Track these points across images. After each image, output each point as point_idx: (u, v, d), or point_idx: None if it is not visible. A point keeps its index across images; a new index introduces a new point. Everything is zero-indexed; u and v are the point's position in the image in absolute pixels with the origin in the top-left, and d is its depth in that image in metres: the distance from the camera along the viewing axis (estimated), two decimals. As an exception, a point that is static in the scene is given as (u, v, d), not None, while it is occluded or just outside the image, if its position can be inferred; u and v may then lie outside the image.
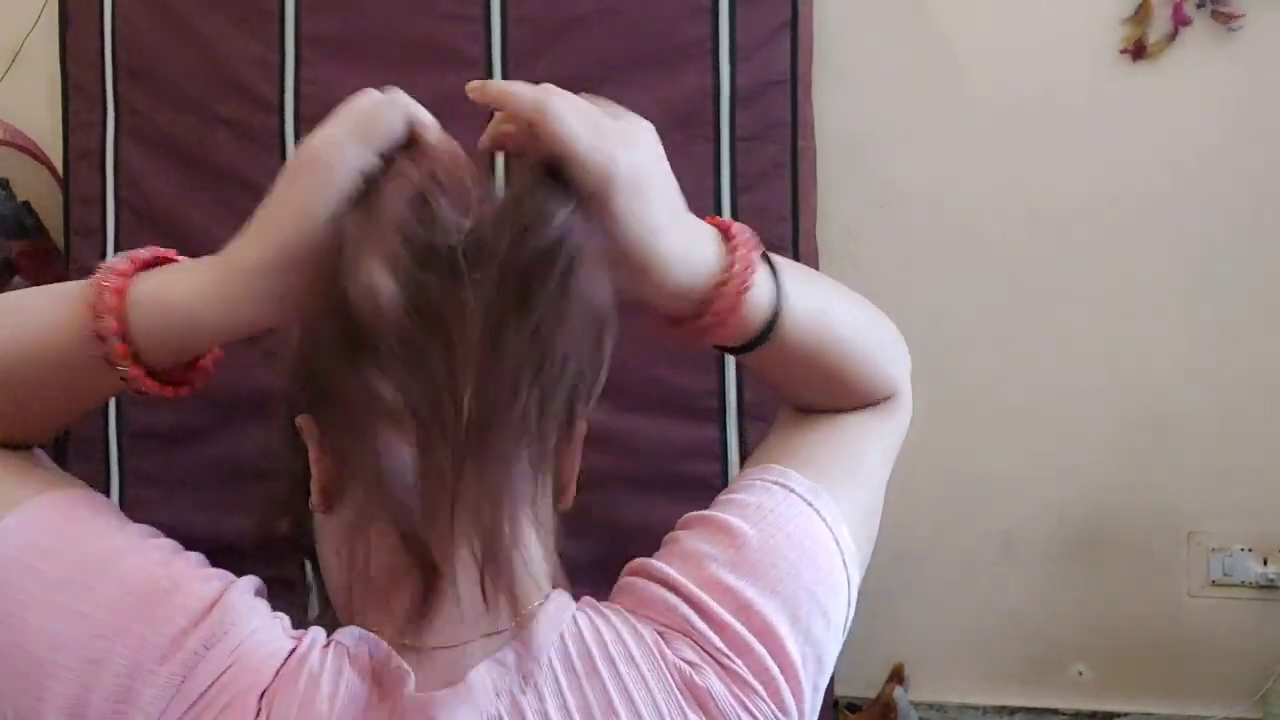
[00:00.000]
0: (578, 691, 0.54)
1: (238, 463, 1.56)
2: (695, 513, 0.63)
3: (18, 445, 0.62)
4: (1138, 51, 1.49)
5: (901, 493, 1.68)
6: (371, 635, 0.55)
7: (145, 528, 0.60)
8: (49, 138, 1.71)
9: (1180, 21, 1.47)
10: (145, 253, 0.58)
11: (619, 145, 0.60)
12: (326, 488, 0.59)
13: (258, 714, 0.51)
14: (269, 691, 0.52)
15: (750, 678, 0.56)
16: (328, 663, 0.53)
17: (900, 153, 1.57)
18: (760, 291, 0.61)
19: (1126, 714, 1.58)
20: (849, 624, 0.64)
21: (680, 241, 0.61)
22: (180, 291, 0.57)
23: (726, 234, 0.62)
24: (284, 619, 0.57)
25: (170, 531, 1.59)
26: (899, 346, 0.74)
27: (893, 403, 0.72)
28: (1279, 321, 1.51)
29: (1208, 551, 1.55)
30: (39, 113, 1.72)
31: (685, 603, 0.57)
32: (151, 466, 1.64)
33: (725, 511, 0.62)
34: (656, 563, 0.60)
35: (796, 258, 1.50)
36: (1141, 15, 1.48)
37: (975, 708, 1.61)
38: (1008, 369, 1.57)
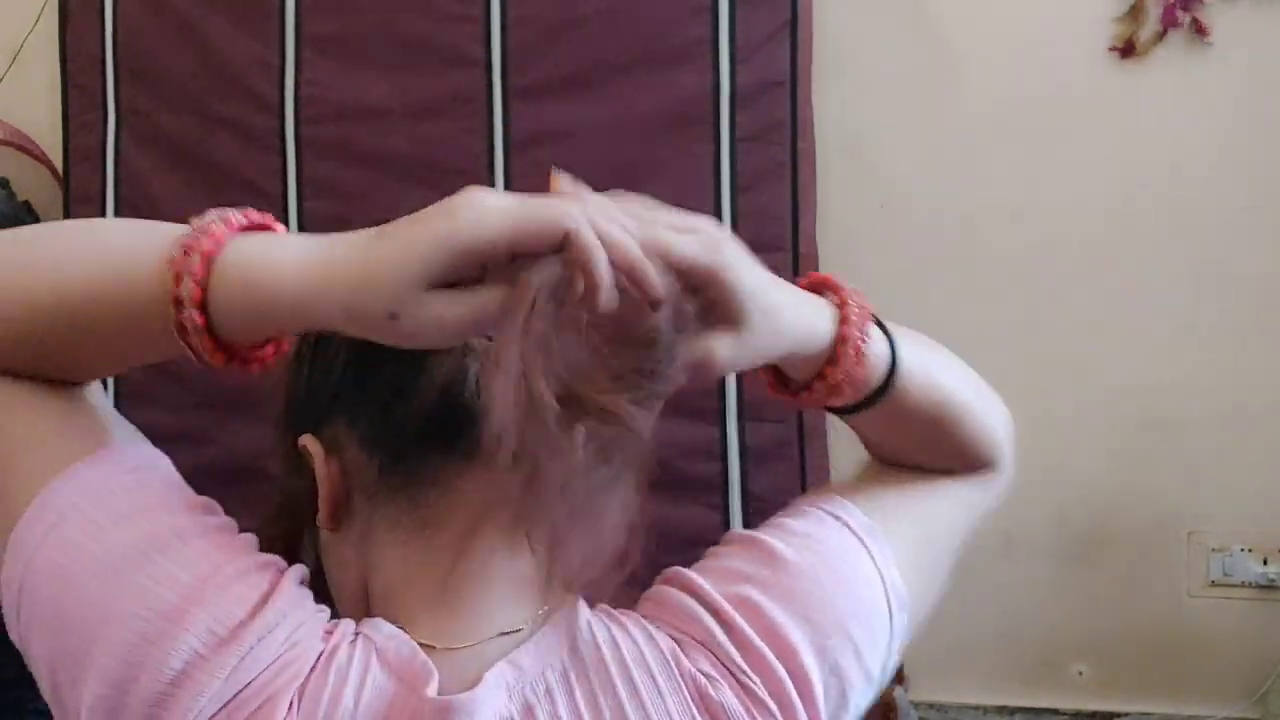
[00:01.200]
0: (590, 696, 0.54)
1: (237, 463, 1.56)
2: (741, 531, 0.63)
3: (66, 382, 0.59)
4: (1126, 50, 1.49)
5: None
6: (400, 632, 0.56)
7: (206, 501, 0.60)
8: (49, 138, 1.71)
9: (1170, 22, 1.47)
10: (240, 216, 0.53)
11: (704, 221, 0.56)
12: (338, 505, 0.60)
13: (290, 708, 0.52)
14: (303, 686, 0.52)
15: (766, 698, 0.56)
16: (355, 657, 0.54)
17: (899, 153, 1.57)
18: (876, 347, 0.60)
19: (1126, 714, 1.58)
20: (887, 673, 0.63)
21: (790, 296, 0.58)
22: (274, 268, 0.52)
23: (834, 290, 0.61)
24: (324, 611, 0.57)
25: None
26: (1003, 415, 0.73)
27: (990, 473, 0.71)
28: (1278, 322, 1.51)
29: (1208, 551, 1.55)
30: (39, 113, 1.72)
31: (711, 615, 0.57)
32: (151, 466, 1.64)
33: (771, 535, 0.62)
34: (690, 573, 0.60)
35: (796, 257, 1.50)
36: (1134, 14, 1.48)
37: (975, 708, 1.61)
38: (1007, 369, 1.57)
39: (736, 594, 0.58)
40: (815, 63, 1.51)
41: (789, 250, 1.50)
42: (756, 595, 0.58)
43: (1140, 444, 1.55)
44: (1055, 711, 1.59)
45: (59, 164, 1.70)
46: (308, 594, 0.57)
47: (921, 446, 0.68)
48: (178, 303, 0.51)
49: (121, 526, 0.54)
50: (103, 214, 1.66)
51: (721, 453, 1.50)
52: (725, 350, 0.54)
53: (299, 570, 0.57)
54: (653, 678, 0.55)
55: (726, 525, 1.49)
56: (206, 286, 0.51)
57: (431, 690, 0.53)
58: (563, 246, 0.48)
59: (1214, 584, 1.55)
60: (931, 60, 1.55)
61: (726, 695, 0.55)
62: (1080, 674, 1.59)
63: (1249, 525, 1.54)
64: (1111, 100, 1.52)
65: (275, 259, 0.52)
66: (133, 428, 0.61)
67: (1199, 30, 1.47)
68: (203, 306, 0.51)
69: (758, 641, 0.57)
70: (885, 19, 1.56)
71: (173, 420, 1.61)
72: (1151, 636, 1.57)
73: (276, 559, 0.57)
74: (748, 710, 0.55)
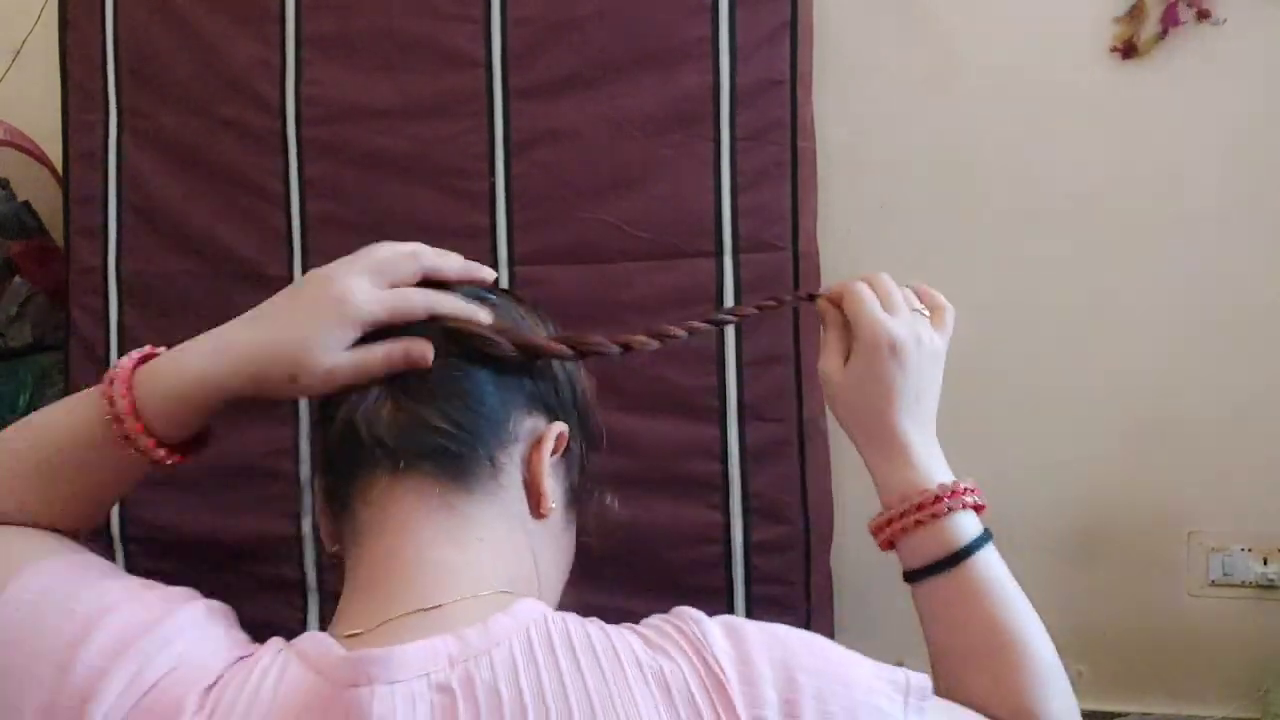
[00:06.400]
0: (532, 673, 0.56)
1: (238, 463, 1.56)
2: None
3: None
4: (1127, 50, 1.49)
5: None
6: (319, 634, 0.60)
7: (145, 580, 0.66)
8: (49, 138, 1.71)
9: (1170, 22, 1.47)
10: (141, 351, 0.70)
11: (902, 319, 0.76)
12: (330, 534, 0.69)
13: (199, 709, 0.55)
14: (215, 687, 0.56)
15: (733, 682, 0.57)
16: (276, 661, 0.58)
17: (900, 153, 1.57)
18: (966, 521, 0.75)
19: (1126, 714, 1.58)
20: None
21: (920, 437, 0.77)
22: (176, 359, 0.69)
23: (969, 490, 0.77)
24: (239, 636, 0.62)
25: (171, 532, 1.60)
26: (1067, 689, 0.76)
27: None
28: (1279, 321, 1.51)
29: (1208, 551, 1.55)
30: (39, 113, 1.72)
31: (709, 628, 0.60)
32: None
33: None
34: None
35: (796, 258, 1.50)
36: (1135, 14, 1.48)
37: (975, 707, 1.61)
38: (1007, 369, 1.57)
39: (750, 636, 0.60)
40: (815, 63, 1.51)
41: (789, 250, 1.50)
42: (761, 648, 0.60)
43: (1140, 444, 1.55)
44: (1055, 711, 1.59)
45: (59, 164, 1.70)
46: (217, 621, 0.62)
47: (973, 654, 0.72)
48: (117, 420, 0.67)
49: (52, 595, 0.61)
50: (104, 214, 1.66)
51: (721, 453, 1.50)
52: (829, 360, 0.77)
53: (211, 601, 0.64)
54: (597, 658, 0.57)
55: (727, 525, 1.50)
56: (133, 399, 0.67)
57: (342, 655, 0.57)
58: (428, 316, 0.68)
59: (1214, 584, 1.55)
60: (931, 60, 1.55)
61: (676, 674, 0.56)
62: (1080, 674, 1.59)
63: (1249, 525, 1.54)
64: (1112, 100, 1.51)
65: (176, 356, 0.69)
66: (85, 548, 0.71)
67: (1202, 15, 1.46)
68: (136, 414, 0.67)
69: (757, 658, 0.58)
70: (885, 19, 1.56)
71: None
72: (1151, 636, 1.57)
73: (193, 592, 0.64)
74: (700, 683, 0.56)
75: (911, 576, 0.76)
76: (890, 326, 0.75)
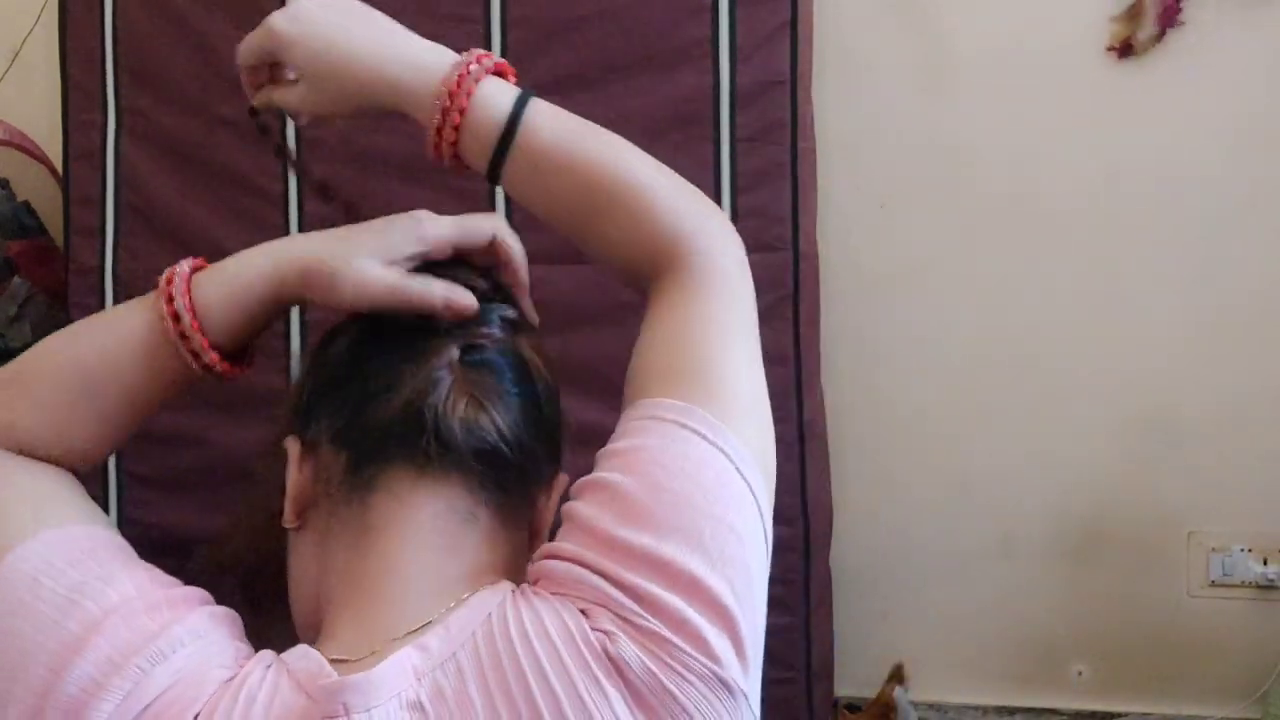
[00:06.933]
0: (497, 670, 0.55)
1: (237, 463, 1.55)
2: (582, 479, 0.63)
3: (65, 463, 0.68)
4: (1124, 50, 1.49)
5: (902, 492, 1.67)
6: (311, 651, 0.57)
7: (156, 572, 0.64)
8: (49, 138, 1.71)
9: (1167, 23, 1.47)
10: (193, 260, 0.68)
11: (292, 5, 0.73)
12: (304, 505, 0.65)
13: None
14: (203, 712, 0.54)
15: (669, 634, 0.55)
16: (266, 680, 0.56)
17: (900, 153, 1.57)
18: (498, 89, 0.72)
19: (1126, 714, 1.58)
20: (769, 539, 0.63)
21: (401, 47, 0.77)
22: (239, 255, 0.68)
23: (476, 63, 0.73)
24: (240, 647, 0.60)
25: (170, 532, 1.60)
26: (690, 198, 0.74)
27: (699, 271, 0.70)
28: (1278, 321, 1.51)
29: (1208, 551, 1.55)
30: (39, 113, 1.72)
31: (595, 574, 0.58)
32: (150, 467, 1.64)
33: (605, 468, 0.62)
34: (560, 544, 0.61)
35: (796, 258, 1.50)
36: (1132, 14, 1.48)
37: (975, 708, 1.61)
38: (1007, 368, 1.57)
39: (603, 541, 0.58)
40: (815, 63, 1.51)
41: (789, 250, 1.49)
42: (620, 533, 0.58)
43: (1140, 444, 1.55)
44: (1055, 711, 1.59)
45: (59, 164, 1.70)
46: (218, 631, 0.59)
47: (594, 213, 0.72)
48: (175, 318, 0.65)
49: (57, 579, 0.58)
50: (102, 214, 1.66)
51: (721, 452, 1.50)
52: (291, 97, 0.74)
53: (215, 607, 0.61)
54: (554, 647, 0.55)
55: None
56: (192, 298, 0.65)
57: (325, 684, 0.55)
58: (490, 245, 0.70)
59: (1214, 584, 1.55)
60: (931, 60, 1.55)
61: (625, 648, 0.55)
62: (1080, 674, 1.59)
63: (1249, 525, 1.54)
64: (1111, 100, 1.51)
65: (239, 254, 0.68)
66: (95, 507, 0.69)
67: (1166, 15, 1.46)
68: (194, 312, 0.65)
69: (642, 582, 0.56)
70: (885, 19, 1.56)
71: (173, 420, 1.61)
72: (1151, 636, 1.57)
73: (201, 595, 0.62)
74: (651, 654, 0.55)
75: (492, 175, 0.72)
76: (272, 15, 0.73)
